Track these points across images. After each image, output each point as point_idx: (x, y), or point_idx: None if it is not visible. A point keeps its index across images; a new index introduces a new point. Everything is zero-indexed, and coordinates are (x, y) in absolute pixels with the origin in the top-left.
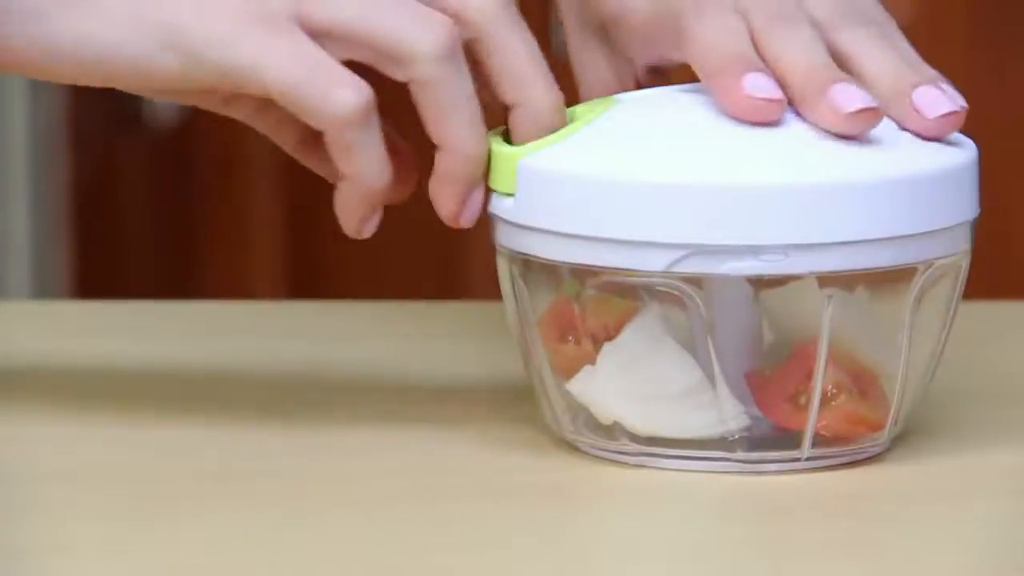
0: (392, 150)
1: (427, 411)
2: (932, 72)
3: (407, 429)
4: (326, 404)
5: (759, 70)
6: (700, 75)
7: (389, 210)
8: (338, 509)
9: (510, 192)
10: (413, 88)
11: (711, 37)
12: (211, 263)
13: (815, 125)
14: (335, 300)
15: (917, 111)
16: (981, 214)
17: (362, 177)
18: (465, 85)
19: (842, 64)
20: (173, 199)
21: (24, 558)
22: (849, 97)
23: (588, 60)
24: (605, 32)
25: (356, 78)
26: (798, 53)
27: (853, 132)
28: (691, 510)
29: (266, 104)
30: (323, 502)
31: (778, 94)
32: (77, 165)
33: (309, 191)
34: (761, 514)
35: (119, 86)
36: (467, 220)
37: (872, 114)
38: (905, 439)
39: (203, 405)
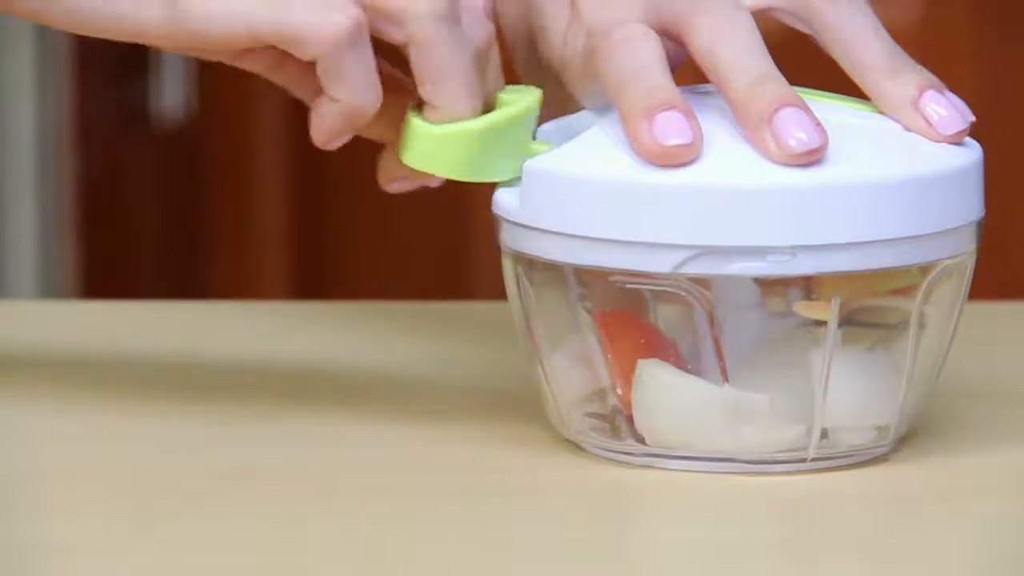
0: (384, 82)
1: (431, 409)
2: (915, 63)
3: (411, 427)
4: (330, 403)
5: (668, 107)
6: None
7: (395, 210)
8: (340, 507)
9: (424, 167)
10: (410, 49)
11: (616, 73)
12: (217, 263)
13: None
14: (340, 300)
15: (931, 124)
16: (986, 215)
17: (351, 101)
18: (461, 48)
19: (820, 38)
20: (180, 199)
21: (26, 557)
22: (797, 131)
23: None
24: (556, 76)
25: (344, 1)
26: (736, 57)
27: (794, 165)
28: (696, 511)
29: (283, 57)
30: (325, 501)
31: (689, 136)
32: (83, 164)
33: (316, 191)
34: (766, 515)
35: (112, 37)
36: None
37: (817, 154)
38: (910, 439)
39: (207, 405)
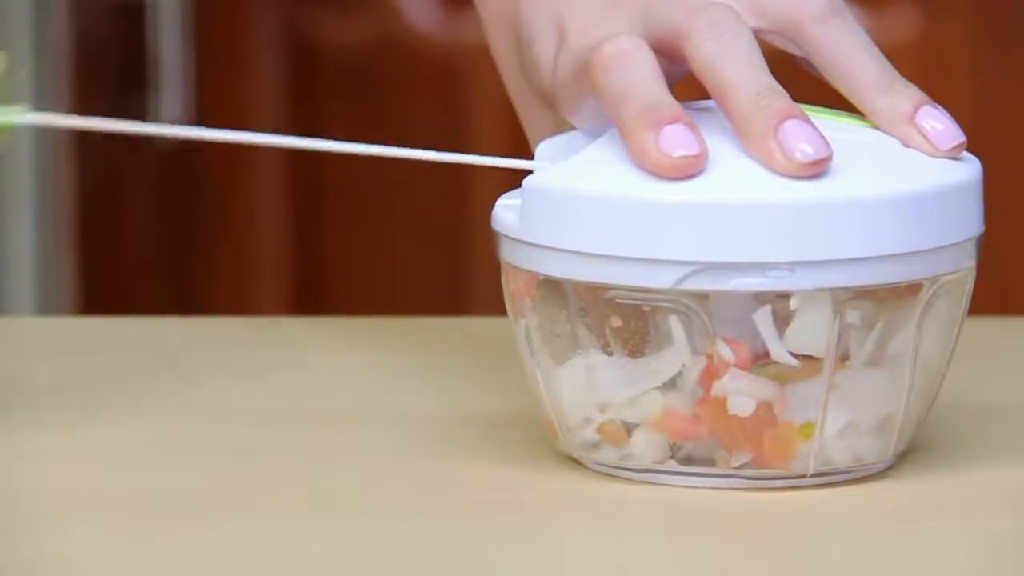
0: None
1: (430, 426)
2: (906, 79)
3: (409, 444)
4: (328, 419)
5: (673, 120)
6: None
7: (394, 226)
8: (339, 524)
9: None
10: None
11: (613, 87)
12: (216, 279)
13: (758, 160)
14: (339, 316)
15: (928, 139)
16: (986, 231)
17: None
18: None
19: (811, 59)
20: (178, 214)
21: (25, 573)
22: (802, 143)
23: (534, 122)
24: (549, 104)
25: None
26: (739, 71)
27: (801, 176)
28: (696, 527)
29: None
30: (324, 517)
31: (696, 147)
32: (82, 179)
33: (314, 207)
34: (766, 531)
35: None
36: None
37: (823, 165)
38: (909, 456)
39: (206, 420)
